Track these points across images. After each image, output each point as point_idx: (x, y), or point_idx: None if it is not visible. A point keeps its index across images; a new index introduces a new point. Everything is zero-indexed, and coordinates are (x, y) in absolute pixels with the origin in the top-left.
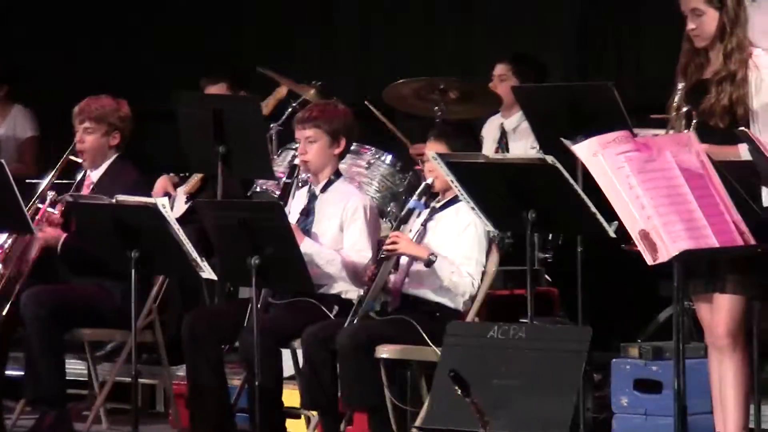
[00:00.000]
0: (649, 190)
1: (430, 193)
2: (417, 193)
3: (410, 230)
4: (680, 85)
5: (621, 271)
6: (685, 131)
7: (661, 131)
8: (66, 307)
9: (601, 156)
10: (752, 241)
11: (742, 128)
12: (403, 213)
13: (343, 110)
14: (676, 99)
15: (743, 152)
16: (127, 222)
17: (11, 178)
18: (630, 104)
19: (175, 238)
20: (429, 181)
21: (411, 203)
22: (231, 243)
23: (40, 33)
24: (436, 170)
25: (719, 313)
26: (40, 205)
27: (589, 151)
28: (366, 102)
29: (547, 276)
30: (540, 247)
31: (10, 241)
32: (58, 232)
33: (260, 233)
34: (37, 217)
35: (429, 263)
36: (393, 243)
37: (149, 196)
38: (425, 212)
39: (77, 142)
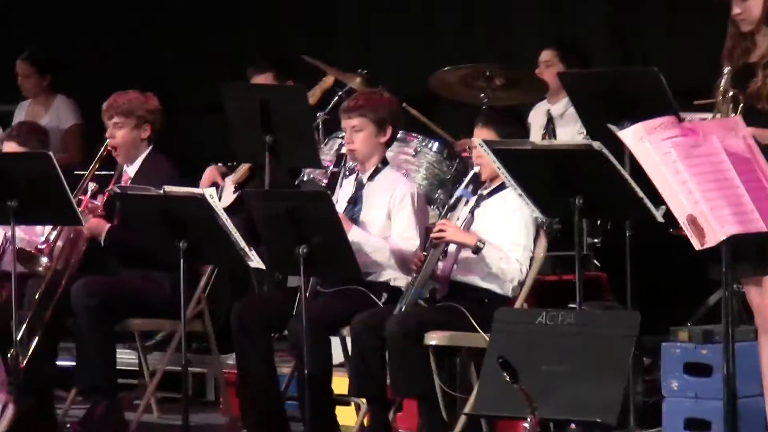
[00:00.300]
0: (695, 175)
1: (478, 181)
2: (465, 181)
3: (458, 218)
4: (726, 69)
5: (670, 255)
6: (732, 115)
7: (708, 115)
8: (116, 297)
9: (647, 141)
10: None
11: None
12: (451, 201)
13: (388, 98)
14: (723, 83)
15: None
16: (175, 212)
17: (59, 171)
18: (676, 88)
19: (223, 228)
20: (476, 169)
21: (459, 191)
22: (279, 232)
23: (80, 26)
24: (483, 157)
25: None
26: (81, 197)
27: (635, 136)
28: (404, 105)
29: (595, 261)
30: (588, 232)
31: (55, 233)
32: (102, 223)
33: (308, 222)
34: (80, 209)
35: (477, 250)
36: (440, 231)
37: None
38: (473, 199)
39: (109, 138)
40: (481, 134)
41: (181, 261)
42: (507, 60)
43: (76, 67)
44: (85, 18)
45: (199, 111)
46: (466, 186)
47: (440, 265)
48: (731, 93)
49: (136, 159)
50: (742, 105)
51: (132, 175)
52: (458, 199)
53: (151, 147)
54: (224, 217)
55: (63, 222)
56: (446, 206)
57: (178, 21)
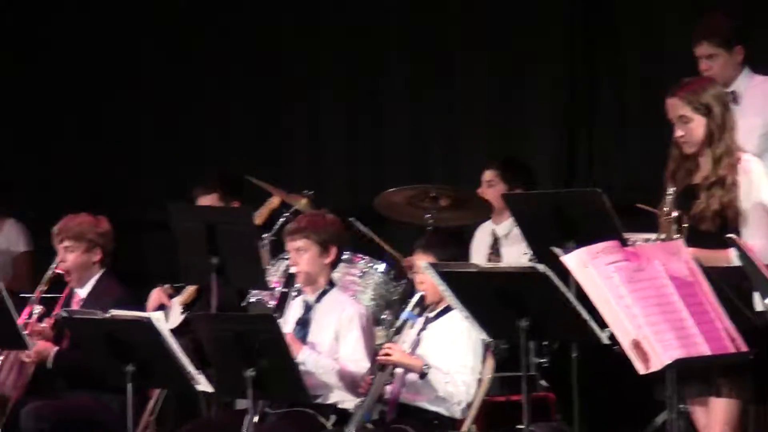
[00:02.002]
0: (639, 299)
1: (424, 304)
2: (411, 304)
3: (404, 341)
4: (670, 191)
5: (616, 375)
6: (676, 236)
7: (652, 235)
8: (66, 421)
9: (591, 266)
10: (744, 348)
11: (731, 235)
12: (397, 324)
13: (331, 220)
14: (667, 204)
15: (734, 257)
16: (122, 336)
17: (8, 298)
18: (619, 205)
19: (170, 352)
20: (422, 292)
21: (405, 314)
22: (226, 355)
23: (27, 143)
24: (426, 282)
25: (714, 417)
26: (28, 320)
27: (578, 262)
28: (351, 220)
29: (543, 381)
30: (535, 352)
31: (2, 357)
32: (50, 346)
33: (255, 345)
34: (26, 332)
35: (422, 375)
36: (386, 354)
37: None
38: (420, 322)
39: (60, 261)
40: (421, 258)
41: (128, 384)
42: (453, 180)
43: (23, 186)
44: (31, 133)
45: (148, 228)
46: (412, 308)
47: (388, 388)
48: (675, 214)
49: (88, 282)
50: (685, 225)
51: (83, 297)
52: (404, 322)
53: (103, 270)
54: (171, 340)
55: (8, 346)
56: (393, 328)
57: (125, 136)
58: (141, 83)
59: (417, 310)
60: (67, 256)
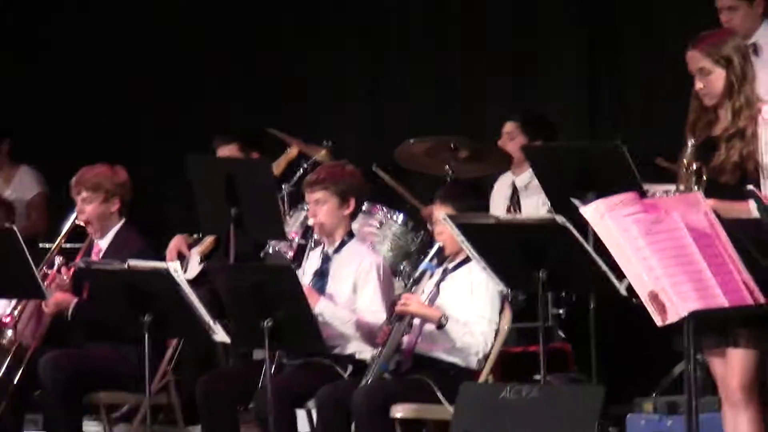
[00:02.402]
0: (657, 251)
1: (443, 255)
2: (429, 255)
3: (423, 291)
4: (690, 142)
5: (634, 326)
6: (695, 188)
7: (672, 187)
8: (84, 371)
9: (608, 218)
10: (762, 300)
11: (750, 186)
12: (416, 274)
13: (350, 171)
14: (687, 156)
15: (753, 209)
16: (140, 287)
17: (23, 245)
18: (640, 157)
19: (188, 302)
20: (440, 243)
21: (423, 265)
22: (244, 306)
23: (42, 97)
24: (444, 232)
25: (732, 367)
26: (48, 271)
27: (596, 213)
28: (374, 168)
29: (560, 332)
30: (553, 303)
31: (19, 307)
32: (69, 297)
33: (273, 296)
34: (46, 282)
35: (440, 325)
36: (404, 304)
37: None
38: (438, 273)
39: (78, 213)
40: (440, 210)
41: (146, 335)
42: (473, 132)
43: (42, 135)
44: (47, 88)
45: (167, 180)
46: (431, 259)
47: (405, 338)
48: (695, 166)
49: (108, 232)
50: (705, 178)
51: (104, 248)
52: (423, 273)
53: (123, 221)
54: (188, 291)
55: (26, 295)
56: (411, 279)
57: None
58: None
59: (435, 261)
60: (85, 208)
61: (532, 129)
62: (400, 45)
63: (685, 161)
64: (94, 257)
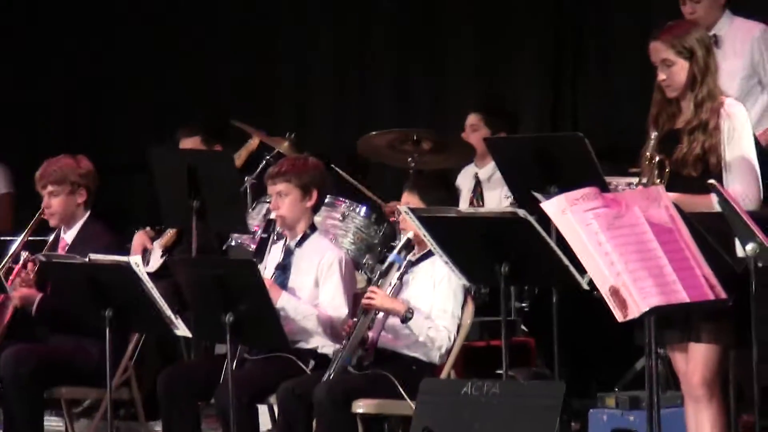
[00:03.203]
0: (618, 246)
1: (411, 247)
2: (398, 246)
3: (390, 283)
4: (653, 135)
5: (597, 320)
6: (658, 181)
7: (634, 179)
8: (46, 365)
9: (570, 213)
10: (723, 295)
11: (712, 181)
12: (383, 267)
13: (313, 163)
14: (649, 149)
15: (715, 203)
16: (102, 281)
17: None
18: (603, 149)
19: (149, 296)
20: (410, 235)
21: (392, 257)
22: (205, 300)
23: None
24: (408, 223)
25: (694, 362)
26: (13, 266)
27: (557, 208)
28: (332, 165)
29: (523, 326)
30: (516, 296)
31: None
32: (33, 292)
33: (234, 290)
34: (10, 277)
35: (406, 319)
36: (370, 298)
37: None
38: (402, 265)
39: (45, 207)
40: (408, 199)
41: (107, 329)
42: (435, 124)
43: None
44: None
45: (129, 171)
46: (399, 251)
47: (368, 332)
48: (657, 158)
49: (74, 225)
50: (668, 170)
51: (70, 241)
52: (391, 265)
53: (88, 213)
54: (150, 285)
55: None
56: (379, 272)
57: (108, 79)
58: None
59: (404, 253)
60: (52, 202)
61: (496, 121)
62: (363, 39)
63: (647, 154)
64: (60, 251)
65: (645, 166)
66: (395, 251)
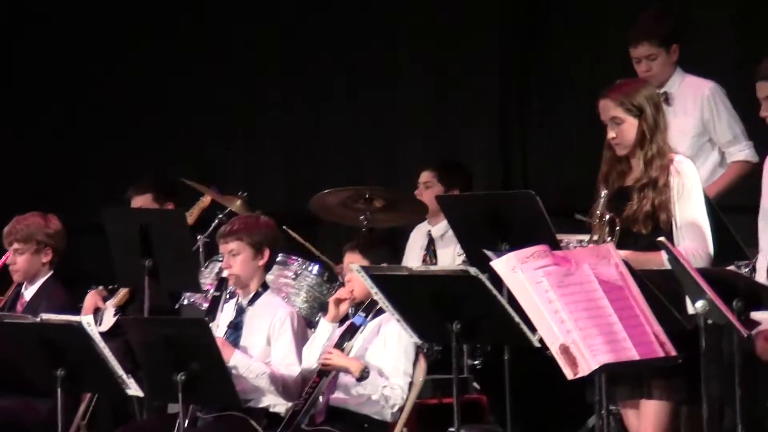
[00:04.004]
0: (568, 304)
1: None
2: (363, 308)
3: (353, 346)
4: (603, 193)
5: (549, 377)
6: (609, 239)
7: (586, 236)
8: None
9: (520, 271)
10: (673, 352)
11: (661, 238)
12: (346, 328)
13: (265, 222)
14: (600, 207)
15: (665, 260)
16: (54, 340)
17: None
18: (553, 206)
19: (101, 356)
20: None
21: (356, 319)
22: (157, 359)
23: None
24: (354, 281)
25: (646, 419)
26: None
27: (507, 266)
28: (284, 228)
29: (475, 383)
30: (468, 354)
31: None
32: None
33: (186, 349)
34: None
35: (362, 378)
36: (327, 359)
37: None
38: (364, 325)
39: (9, 264)
40: (350, 259)
41: (58, 389)
42: (388, 181)
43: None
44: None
45: (82, 231)
46: (365, 314)
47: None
48: (607, 216)
49: (36, 282)
50: (618, 228)
51: (28, 299)
52: (356, 328)
53: (51, 273)
54: (102, 344)
55: None
56: (341, 333)
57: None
58: (77, 89)
59: (368, 315)
60: (17, 259)
61: (449, 178)
62: (315, 97)
63: (597, 212)
64: (19, 307)
65: (595, 224)
66: (360, 312)
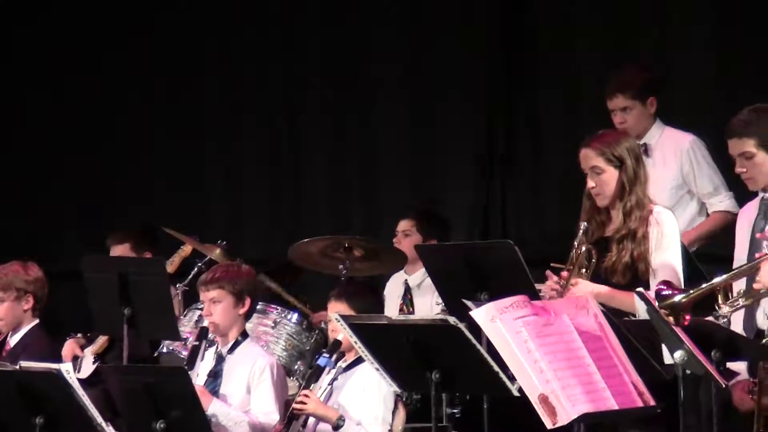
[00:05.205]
0: (547, 354)
1: (340, 350)
2: (327, 349)
3: (320, 387)
4: (582, 225)
5: (529, 426)
6: (583, 273)
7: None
8: None
9: (499, 321)
10: (651, 402)
11: (640, 289)
12: (311, 370)
13: (246, 270)
14: (577, 238)
15: (642, 311)
16: (32, 388)
17: None
18: (533, 255)
19: (80, 403)
20: (339, 336)
21: (321, 360)
22: (136, 407)
23: None
24: (337, 331)
25: None
26: None
27: (486, 316)
28: (263, 275)
29: None
30: (448, 402)
31: None
32: None
33: (165, 398)
34: None
35: (337, 426)
36: (301, 403)
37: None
38: (333, 372)
39: None
40: (335, 308)
41: None
42: (367, 230)
43: None
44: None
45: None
46: (330, 354)
47: None
48: (584, 248)
49: (20, 330)
50: (594, 260)
51: (12, 346)
52: (320, 369)
53: (36, 321)
54: (81, 392)
55: None
56: (308, 375)
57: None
58: (57, 137)
59: (333, 356)
60: None
61: (428, 227)
62: (293, 144)
63: (575, 243)
64: (3, 354)
65: (572, 255)
66: (324, 354)
